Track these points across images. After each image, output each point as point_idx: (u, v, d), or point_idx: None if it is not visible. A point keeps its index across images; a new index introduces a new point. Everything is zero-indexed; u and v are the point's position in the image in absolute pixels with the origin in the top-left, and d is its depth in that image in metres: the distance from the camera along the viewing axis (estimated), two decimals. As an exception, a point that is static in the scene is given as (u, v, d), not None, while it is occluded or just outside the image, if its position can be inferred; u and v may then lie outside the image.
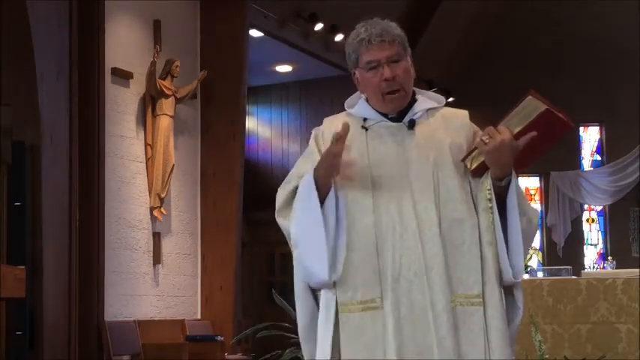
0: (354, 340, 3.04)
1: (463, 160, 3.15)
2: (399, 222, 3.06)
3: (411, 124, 3.17)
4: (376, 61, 3.13)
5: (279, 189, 3.24)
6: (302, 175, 3.17)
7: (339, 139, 3.00)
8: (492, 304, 3.07)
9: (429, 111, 3.23)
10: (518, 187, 3.12)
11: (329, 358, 3.06)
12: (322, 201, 3.07)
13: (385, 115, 3.20)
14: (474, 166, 3.13)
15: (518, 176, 3.20)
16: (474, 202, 3.13)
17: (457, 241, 3.07)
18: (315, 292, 3.18)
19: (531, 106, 3.06)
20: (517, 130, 3.06)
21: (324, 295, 3.13)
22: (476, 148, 3.11)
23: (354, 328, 3.05)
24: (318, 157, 3.17)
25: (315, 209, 3.06)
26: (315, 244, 3.06)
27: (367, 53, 3.13)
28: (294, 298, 3.21)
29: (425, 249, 3.04)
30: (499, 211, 3.09)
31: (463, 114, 3.28)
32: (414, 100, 3.24)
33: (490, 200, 3.08)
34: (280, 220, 3.20)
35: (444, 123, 3.21)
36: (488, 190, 3.09)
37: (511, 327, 3.14)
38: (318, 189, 3.07)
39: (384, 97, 3.16)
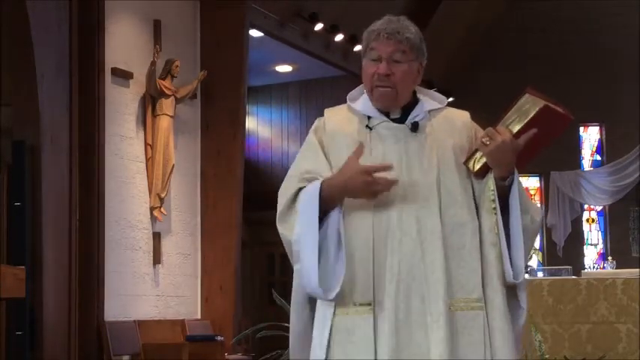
0: (343, 341, 3.03)
1: (465, 162, 3.13)
2: (398, 227, 3.03)
3: (415, 127, 3.14)
4: (378, 55, 3.11)
5: (279, 191, 3.19)
6: (302, 173, 3.14)
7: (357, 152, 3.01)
8: (495, 306, 3.06)
9: (431, 112, 3.20)
10: (520, 185, 3.11)
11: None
12: (327, 212, 3.04)
13: (387, 114, 3.17)
14: (476, 168, 3.11)
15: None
16: (476, 205, 3.12)
17: (458, 245, 3.05)
18: (312, 304, 3.15)
19: (529, 104, 3.05)
20: (517, 128, 3.05)
21: (320, 306, 3.10)
22: (477, 149, 3.10)
23: (344, 330, 3.03)
24: (318, 149, 3.15)
25: (313, 222, 3.02)
26: (309, 256, 3.02)
27: (373, 44, 3.12)
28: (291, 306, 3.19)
29: (425, 254, 3.02)
30: (501, 211, 3.08)
31: (465, 114, 3.27)
32: (415, 101, 3.21)
33: (494, 201, 3.07)
34: (280, 229, 3.14)
35: (446, 124, 3.18)
36: (492, 190, 3.07)
37: (515, 328, 3.12)
38: (324, 202, 3.03)
39: (372, 89, 3.13)
